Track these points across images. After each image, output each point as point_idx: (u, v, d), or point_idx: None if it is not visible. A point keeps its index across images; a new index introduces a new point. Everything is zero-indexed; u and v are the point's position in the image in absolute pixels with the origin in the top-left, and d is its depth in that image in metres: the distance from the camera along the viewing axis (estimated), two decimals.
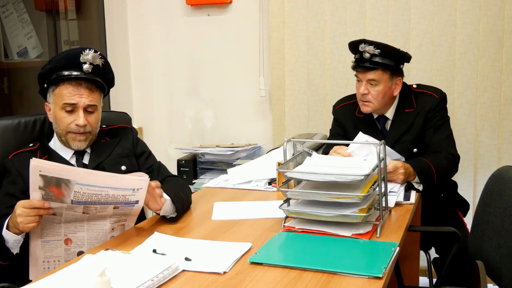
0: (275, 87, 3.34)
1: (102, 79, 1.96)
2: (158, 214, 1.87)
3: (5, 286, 1.52)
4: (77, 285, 1.36)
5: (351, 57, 2.51)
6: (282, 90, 3.32)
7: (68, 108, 1.89)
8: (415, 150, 2.37)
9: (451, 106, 2.96)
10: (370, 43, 2.29)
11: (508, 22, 2.85)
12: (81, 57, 1.88)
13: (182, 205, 1.91)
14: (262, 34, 3.36)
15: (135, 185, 1.70)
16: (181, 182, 2.08)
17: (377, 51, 2.28)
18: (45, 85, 1.93)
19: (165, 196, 1.83)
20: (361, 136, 2.25)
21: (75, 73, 1.88)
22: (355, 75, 2.39)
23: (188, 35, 3.57)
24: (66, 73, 1.88)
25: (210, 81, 3.57)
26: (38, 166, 1.58)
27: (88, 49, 1.90)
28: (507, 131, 2.94)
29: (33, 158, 1.60)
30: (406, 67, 2.92)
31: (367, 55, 2.30)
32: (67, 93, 1.88)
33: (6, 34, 3.32)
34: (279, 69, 3.31)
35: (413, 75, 3.02)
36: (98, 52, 1.93)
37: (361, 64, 2.33)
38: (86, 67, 1.88)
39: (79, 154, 1.97)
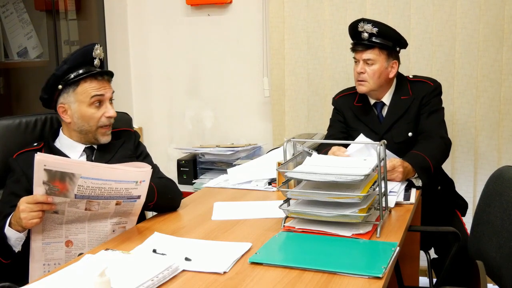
0: (275, 87, 3.34)
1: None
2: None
3: (5, 285, 1.52)
4: (77, 285, 1.35)
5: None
6: (282, 90, 3.32)
7: (97, 101, 1.95)
8: (410, 134, 2.45)
9: (451, 106, 2.98)
10: (368, 21, 2.38)
11: (508, 22, 2.85)
12: (93, 53, 1.95)
13: (152, 198, 1.89)
14: (264, 34, 3.37)
15: (138, 177, 1.71)
16: (164, 183, 2.03)
17: (375, 30, 2.36)
18: (60, 86, 1.93)
19: None
20: (361, 138, 2.26)
21: (92, 68, 1.95)
22: (353, 58, 2.47)
23: (188, 35, 3.57)
24: (83, 70, 1.93)
25: (210, 81, 3.57)
26: (42, 161, 1.58)
27: (96, 45, 1.97)
28: (507, 131, 2.94)
29: (37, 153, 1.61)
30: (406, 68, 2.94)
31: (365, 35, 2.39)
32: (93, 87, 1.94)
33: (6, 34, 3.31)
34: (279, 69, 3.31)
35: (413, 74, 3.02)
36: (101, 46, 2.01)
37: (359, 42, 2.42)
38: (96, 62, 1.96)
39: (87, 153, 2.00)
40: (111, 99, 2.00)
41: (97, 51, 1.96)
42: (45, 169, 1.59)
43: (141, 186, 1.73)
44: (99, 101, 1.95)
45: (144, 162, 2.08)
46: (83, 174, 1.62)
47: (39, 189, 1.62)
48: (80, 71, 1.92)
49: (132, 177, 1.70)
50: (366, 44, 2.40)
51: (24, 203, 1.64)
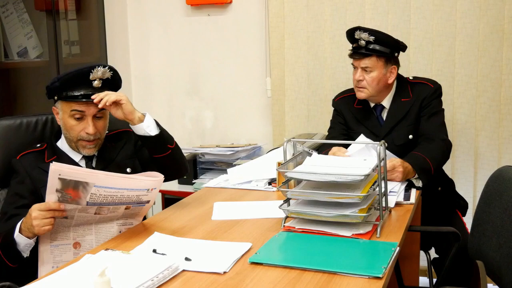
0: (275, 87, 3.34)
1: (110, 88, 1.96)
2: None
3: (6, 285, 1.52)
4: (77, 285, 1.36)
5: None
6: (282, 90, 3.32)
7: (77, 116, 1.91)
8: (410, 136, 2.45)
9: (451, 106, 2.97)
10: (365, 30, 2.38)
11: (508, 22, 2.85)
12: (91, 76, 1.89)
13: (172, 142, 1.94)
14: (264, 34, 3.36)
15: (150, 185, 1.72)
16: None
17: (371, 38, 2.36)
18: (56, 97, 1.94)
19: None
20: (362, 138, 2.27)
21: (83, 91, 1.88)
22: (352, 64, 2.48)
23: (188, 35, 3.57)
24: (75, 93, 1.88)
25: (210, 81, 3.57)
26: (57, 170, 1.58)
27: (97, 66, 1.90)
28: (507, 131, 2.94)
29: (53, 162, 1.61)
30: (406, 68, 2.94)
31: (362, 43, 2.39)
32: (75, 102, 1.90)
33: (6, 34, 3.31)
34: (279, 69, 3.31)
35: (413, 75, 3.01)
36: (107, 67, 1.93)
37: (357, 51, 2.42)
38: (96, 83, 1.90)
39: (87, 158, 2.00)
40: (96, 115, 1.94)
41: (98, 73, 1.89)
42: (59, 178, 1.59)
43: (151, 193, 1.75)
44: (79, 115, 1.91)
45: (145, 152, 2.07)
46: (96, 183, 1.62)
47: (51, 197, 1.62)
48: (74, 93, 1.88)
49: (145, 186, 1.71)
50: (363, 52, 2.39)
51: (36, 210, 1.64)
